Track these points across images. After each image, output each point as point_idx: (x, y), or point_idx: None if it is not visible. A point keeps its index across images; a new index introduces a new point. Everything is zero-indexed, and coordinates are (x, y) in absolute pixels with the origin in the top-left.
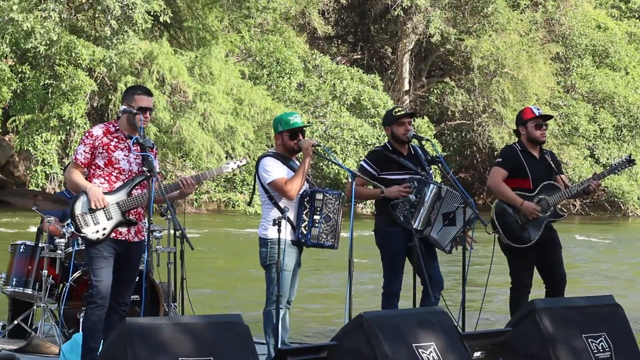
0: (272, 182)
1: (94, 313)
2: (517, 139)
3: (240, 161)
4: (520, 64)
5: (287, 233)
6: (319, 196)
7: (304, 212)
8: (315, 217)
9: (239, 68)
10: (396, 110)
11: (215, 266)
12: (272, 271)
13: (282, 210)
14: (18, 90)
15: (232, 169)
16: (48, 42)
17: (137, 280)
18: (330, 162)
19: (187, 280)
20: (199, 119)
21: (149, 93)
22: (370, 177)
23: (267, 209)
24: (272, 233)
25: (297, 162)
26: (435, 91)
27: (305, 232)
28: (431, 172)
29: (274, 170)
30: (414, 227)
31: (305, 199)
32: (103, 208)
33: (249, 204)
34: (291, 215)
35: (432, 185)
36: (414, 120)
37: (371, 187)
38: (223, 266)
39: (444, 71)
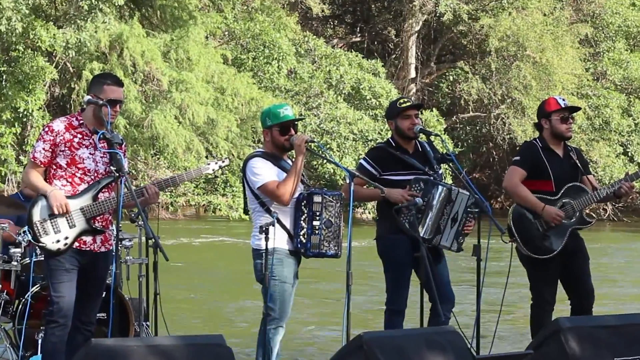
0: (263, 186)
1: (55, 333)
2: (538, 134)
3: (222, 161)
4: (544, 47)
5: (283, 241)
6: (318, 199)
7: (302, 218)
8: (315, 222)
9: (221, 52)
10: (401, 101)
11: (193, 279)
12: (270, 285)
13: (271, 216)
14: None
15: (213, 169)
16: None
17: (103, 295)
18: (325, 161)
19: (162, 296)
20: (174, 111)
21: (119, 83)
22: (370, 177)
23: (258, 216)
24: (264, 243)
25: (289, 162)
26: (446, 79)
27: (304, 241)
28: (441, 172)
29: (264, 172)
30: (422, 235)
31: (302, 203)
32: (65, 214)
33: (245, 212)
34: (287, 222)
35: (441, 187)
36: (422, 113)
37: (372, 188)
38: (203, 279)
39: (455, 56)
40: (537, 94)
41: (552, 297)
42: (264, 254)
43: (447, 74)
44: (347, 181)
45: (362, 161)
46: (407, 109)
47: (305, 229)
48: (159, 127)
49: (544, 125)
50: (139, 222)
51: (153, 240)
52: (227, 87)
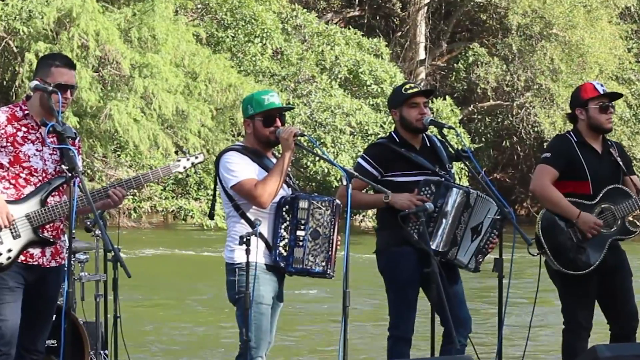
0: (238, 185)
1: None
2: (572, 127)
3: (196, 157)
4: (575, 24)
5: (259, 253)
6: (303, 204)
7: (283, 226)
8: (299, 232)
9: (193, 30)
10: (407, 86)
11: (160, 299)
12: (242, 307)
13: (252, 224)
14: None
15: (185, 167)
16: None
17: (54, 319)
18: (317, 158)
19: (123, 319)
20: (137, 101)
21: (70, 65)
22: (371, 179)
23: (233, 222)
24: (241, 256)
25: (275, 160)
26: (461, 61)
27: (285, 254)
28: (453, 171)
29: (240, 168)
30: (434, 247)
31: (284, 209)
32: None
33: (210, 216)
34: (265, 230)
35: (456, 190)
36: (432, 101)
37: (372, 193)
38: (170, 299)
39: (473, 33)
40: (569, 78)
41: (588, 321)
42: (238, 269)
43: (462, 55)
44: (344, 183)
45: (360, 160)
46: (414, 96)
47: (287, 240)
48: (119, 119)
49: (579, 115)
50: (96, 232)
51: (112, 253)
52: (200, 71)
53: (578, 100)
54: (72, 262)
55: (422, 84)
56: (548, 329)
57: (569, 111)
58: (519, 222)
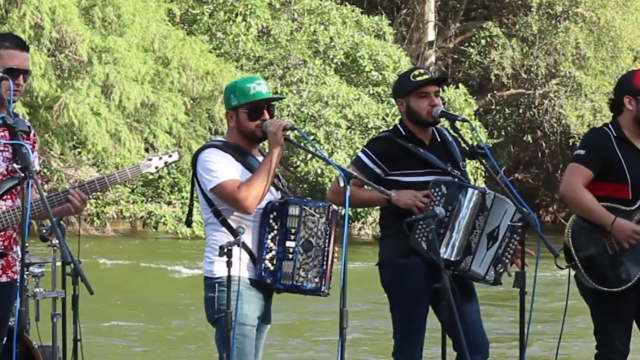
0: (218, 187)
1: None
2: (610, 119)
3: (169, 155)
4: (604, 3)
5: (243, 267)
6: (294, 210)
7: (269, 237)
8: (289, 243)
9: (165, 6)
10: (415, 72)
11: (128, 319)
12: (222, 327)
13: (234, 232)
14: None
15: (157, 167)
16: None
17: (4, 342)
18: (310, 156)
19: (84, 343)
20: (98, 90)
21: (22, 46)
22: (373, 177)
23: (213, 230)
24: (221, 268)
25: (261, 159)
26: (476, 44)
27: (272, 269)
28: (467, 170)
29: (221, 168)
30: (444, 256)
31: (271, 215)
32: None
33: (187, 223)
34: (248, 239)
35: (472, 191)
36: (444, 90)
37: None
38: (140, 319)
39: (490, 11)
40: (597, 64)
41: (625, 345)
42: (218, 284)
43: (477, 37)
44: (340, 184)
45: (360, 154)
46: (424, 85)
47: (274, 252)
48: (76, 111)
49: (627, 105)
50: (53, 241)
51: (72, 265)
52: (173, 56)
53: (629, 86)
54: (25, 276)
55: (431, 69)
56: (579, 356)
57: (612, 98)
58: (544, 230)
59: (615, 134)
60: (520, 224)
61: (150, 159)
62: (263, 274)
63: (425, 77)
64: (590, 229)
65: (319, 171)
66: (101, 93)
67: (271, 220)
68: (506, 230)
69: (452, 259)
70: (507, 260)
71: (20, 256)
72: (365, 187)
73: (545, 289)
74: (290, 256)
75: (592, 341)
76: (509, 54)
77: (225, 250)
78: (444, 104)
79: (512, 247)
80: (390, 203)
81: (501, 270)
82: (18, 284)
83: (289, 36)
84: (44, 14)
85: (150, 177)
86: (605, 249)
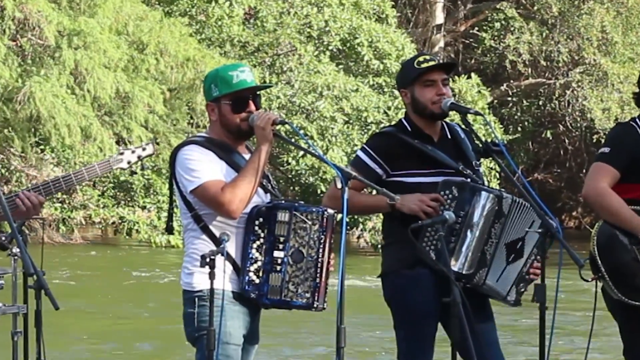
0: (200, 189)
1: None
2: (638, 113)
3: (144, 149)
4: None
5: (226, 280)
6: (283, 216)
7: (254, 245)
8: (277, 253)
9: None
10: (421, 59)
11: (99, 337)
12: (208, 348)
13: (217, 240)
14: None
15: (130, 162)
16: None
17: None
18: (302, 153)
19: None
20: (66, 79)
21: None
22: (374, 178)
23: (193, 237)
24: (203, 281)
25: (247, 156)
26: (490, 27)
27: (257, 282)
28: (481, 170)
29: (202, 167)
30: (456, 269)
31: (257, 222)
32: None
33: (167, 229)
34: (232, 248)
35: (485, 194)
36: (453, 80)
37: (375, 194)
38: (109, 337)
39: None
40: (626, 51)
41: None
42: (199, 298)
43: (491, 18)
44: (338, 186)
45: (360, 153)
46: (430, 72)
47: (259, 263)
48: (41, 103)
49: None
50: (13, 250)
51: (35, 277)
52: (149, 41)
53: None
54: None
55: (439, 56)
56: None
57: (630, 93)
58: (567, 237)
59: None
60: (539, 230)
61: (122, 153)
62: (247, 287)
63: (432, 63)
64: (619, 236)
65: (312, 170)
66: (74, 81)
67: (257, 227)
68: (534, 246)
69: (464, 272)
70: (530, 278)
71: None
72: (366, 190)
73: (568, 301)
74: (279, 268)
75: None
76: (526, 38)
77: (208, 260)
78: (454, 95)
79: (534, 263)
80: (394, 208)
81: (523, 290)
82: None
83: (278, 20)
84: None
85: (122, 175)
86: (635, 258)
